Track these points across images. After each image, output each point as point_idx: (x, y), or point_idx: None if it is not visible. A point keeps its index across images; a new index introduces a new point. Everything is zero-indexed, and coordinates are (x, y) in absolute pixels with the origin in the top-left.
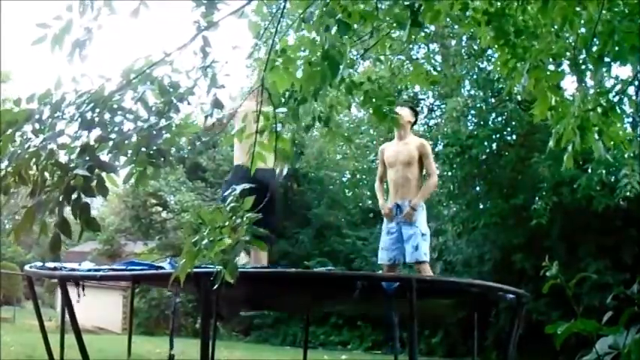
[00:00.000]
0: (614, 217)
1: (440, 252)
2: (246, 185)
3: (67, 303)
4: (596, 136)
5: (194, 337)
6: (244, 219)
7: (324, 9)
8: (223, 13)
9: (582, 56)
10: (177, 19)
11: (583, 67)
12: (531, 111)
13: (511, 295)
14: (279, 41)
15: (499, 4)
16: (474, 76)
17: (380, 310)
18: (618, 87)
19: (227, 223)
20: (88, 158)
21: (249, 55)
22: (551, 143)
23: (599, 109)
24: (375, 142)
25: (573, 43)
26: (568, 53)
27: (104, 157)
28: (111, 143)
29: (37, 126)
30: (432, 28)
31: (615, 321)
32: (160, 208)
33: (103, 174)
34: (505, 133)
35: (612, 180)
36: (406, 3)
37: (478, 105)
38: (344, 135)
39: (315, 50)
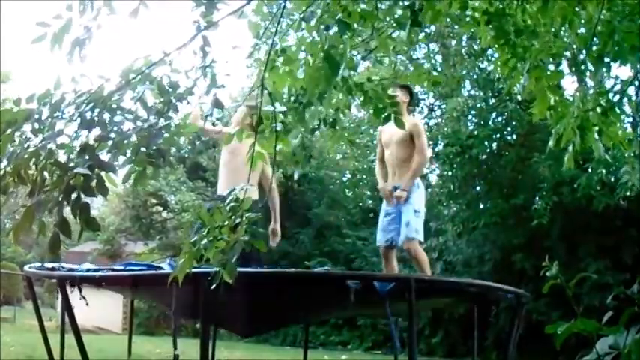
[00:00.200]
0: (614, 217)
1: (440, 252)
2: None
3: (66, 303)
4: (596, 136)
5: (194, 337)
6: (243, 219)
7: (325, 9)
8: (223, 13)
9: (582, 56)
10: (177, 19)
11: (583, 67)
12: (530, 110)
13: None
14: (279, 41)
15: (499, 3)
16: (474, 76)
17: (381, 311)
18: (618, 87)
19: (226, 223)
20: (87, 158)
21: (249, 55)
22: (551, 143)
23: (598, 109)
24: (375, 142)
25: (573, 44)
26: (568, 53)
27: (104, 156)
28: (110, 143)
29: (36, 126)
30: (433, 28)
31: (615, 321)
32: (160, 208)
33: (103, 174)
34: (505, 133)
35: (612, 180)
36: (406, 3)
37: (478, 105)
38: (349, 138)
39: (315, 51)
